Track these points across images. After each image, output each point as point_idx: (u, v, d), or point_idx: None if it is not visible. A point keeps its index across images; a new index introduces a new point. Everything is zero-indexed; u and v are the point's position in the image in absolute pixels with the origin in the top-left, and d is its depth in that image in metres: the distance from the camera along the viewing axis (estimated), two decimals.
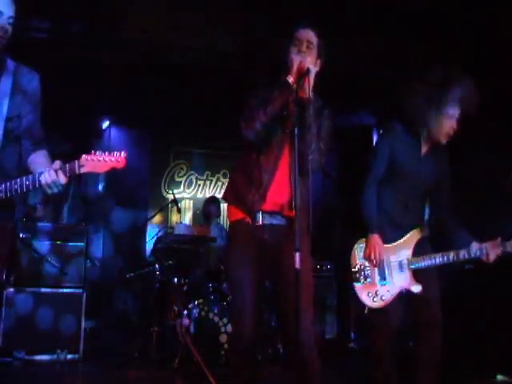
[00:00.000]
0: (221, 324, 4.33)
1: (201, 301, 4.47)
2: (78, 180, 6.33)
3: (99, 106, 6.24)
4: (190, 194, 7.29)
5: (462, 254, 2.81)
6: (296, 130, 2.22)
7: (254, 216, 2.39)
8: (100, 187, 6.78)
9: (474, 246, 2.80)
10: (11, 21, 2.32)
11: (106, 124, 6.81)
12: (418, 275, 2.85)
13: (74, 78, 5.49)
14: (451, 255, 2.82)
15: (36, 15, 4.79)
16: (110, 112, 6.69)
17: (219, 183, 7.35)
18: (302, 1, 4.67)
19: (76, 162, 2.15)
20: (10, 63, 2.41)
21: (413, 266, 2.84)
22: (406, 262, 2.86)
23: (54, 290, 4.63)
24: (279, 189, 2.37)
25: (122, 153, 2.16)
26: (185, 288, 4.77)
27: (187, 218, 7.12)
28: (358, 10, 4.78)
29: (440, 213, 3.00)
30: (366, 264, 2.90)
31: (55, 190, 2.19)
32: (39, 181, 2.17)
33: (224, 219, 6.48)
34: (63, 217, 5.87)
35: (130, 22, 5.15)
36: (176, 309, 4.50)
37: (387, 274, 2.87)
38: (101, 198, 6.69)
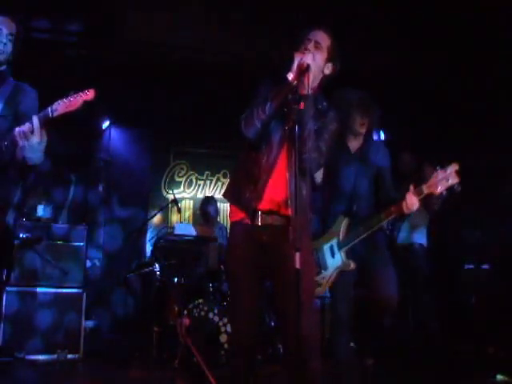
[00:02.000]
0: (221, 324, 4.32)
1: (201, 301, 4.46)
2: (78, 180, 6.34)
3: (99, 106, 6.24)
4: (190, 194, 7.28)
5: (383, 214, 2.87)
6: (296, 127, 2.19)
7: (252, 216, 2.38)
8: (100, 187, 6.77)
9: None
10: (11, 37, 2.38)
11: (106, 124, 6.80)
12: (365, 262, 2.97)
13: (74, 77, 5.49)
14: (373, 221, 2.89)
15: (35, 15, 4.78)
16: (109, 112, 6.68)
17: (219, 183, 7.34)
18: (302, 2, 4.68)
19: (48, 107, 2.21)
20: (10, 81, 2.45)
21: (344, 247, 2.94)
22: (335, 245, 2.96)
23: (54, 290, 4.63)
24: (276, 187, 2.36)
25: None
26: (185, 288, 4.77)
27: (187, 218, 7.12)
28: (358, 10, 4.79)
29: (382, 193, 3.10)
30: None
31: (26, 141, 2.22)
32: (14, 133, 2.22)
33: (224, 219, 6.48)
34: (63, 217, 5.86)
35: (130, 21, 5.16)
36: (176, 309, 4.50)
37: (321, 263, 2.98)
38: (101, 198, 6.69)
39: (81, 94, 2.22)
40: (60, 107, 2.21)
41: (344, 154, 3.09)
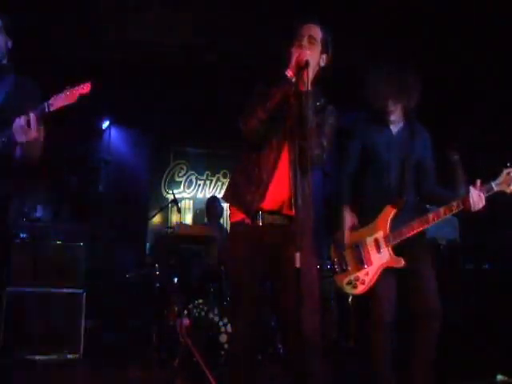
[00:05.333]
0: (221, 324, 4.32)
1: (201, 301, 4.46)
2: (77, 180, 6.34)
3: (99, 106, 6.24)
4: (190, 194, 7.29)
5: (443, 210, 2.64)
6: (295, 124, 2.18)
7: (253, 216, 2.36)
8: (100, 187, 6.77)
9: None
10: None
11: (106, 124, 6.80)
12: (406, 255, 2.70)
13: (74, 77, 5.49)
14: (430, 216, 2.65)
15: (36, 15, 4.78)
16: (110, 112, 6.68)
17: (219, 183, 7.35)
18: (302, 0, 4.67)
19: (45, 102, 2.20)
20: (11, 76, 2.43)
21: (391, 242, 2.70)
22: (381, 239, 2.72)
23: (54, 290, 4.63)
24: (279, 186, 2.34)
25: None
26: (185, 288, 4.77)
27: (187, 218, 7.12)
28: (358, 10, 4.79)
29: (426, 185, 2.88)
30: (343, 254, 2.81)
31: (24, 137, 2.20)
32: (13, 129, 2.19)
33: (224, 219, 6.48)
34: (63, 217, 5.86)
35: (130, 21, 5.16)
36: (176, 309, 4.50)
37: (364, 256, 2.75)
38: (101, 198, 6.69)
39: (77, 87, 2.22)
40: (56, 101, 2.20)
41: (384, 137, 2.84)
